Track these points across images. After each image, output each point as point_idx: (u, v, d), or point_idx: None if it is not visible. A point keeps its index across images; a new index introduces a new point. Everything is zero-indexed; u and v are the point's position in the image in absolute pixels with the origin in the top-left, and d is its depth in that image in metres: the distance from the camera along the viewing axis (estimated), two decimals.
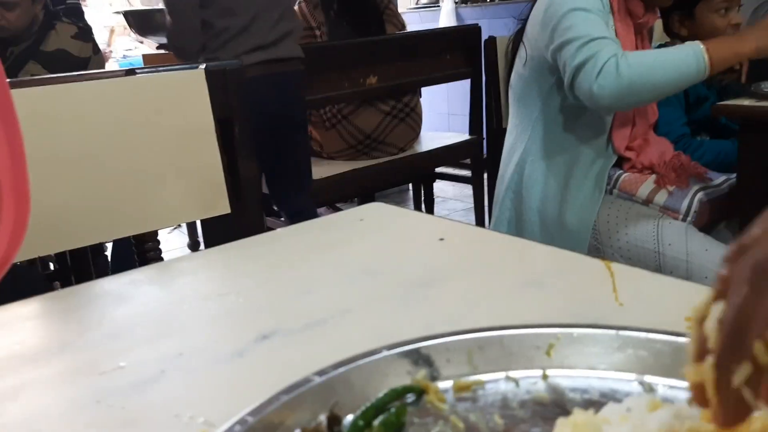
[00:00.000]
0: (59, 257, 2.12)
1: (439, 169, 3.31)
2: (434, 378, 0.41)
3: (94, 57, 2.33)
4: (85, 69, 2.27)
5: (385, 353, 0.41)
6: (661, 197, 1.57)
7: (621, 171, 1.64)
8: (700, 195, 1.57)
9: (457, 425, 0.37)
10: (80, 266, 2.02)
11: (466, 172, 3.21)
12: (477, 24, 2.90)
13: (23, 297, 0.62)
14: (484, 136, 2.90)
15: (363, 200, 3.79)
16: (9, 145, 0.43)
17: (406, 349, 0.42)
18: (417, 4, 5.29)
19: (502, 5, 4.55)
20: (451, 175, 3.42)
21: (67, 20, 2.29)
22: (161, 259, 1.22)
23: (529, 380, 0.41)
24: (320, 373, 0.40)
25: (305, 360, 0.48)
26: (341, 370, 0.40)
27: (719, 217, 1.68)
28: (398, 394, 0.39)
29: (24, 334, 0.57)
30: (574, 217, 1.60)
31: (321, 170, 2.56)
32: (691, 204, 1.54)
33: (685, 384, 0.39)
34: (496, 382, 0.41)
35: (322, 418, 0.37)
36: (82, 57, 2.28)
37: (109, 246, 2.56)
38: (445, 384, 0.41)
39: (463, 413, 0.38)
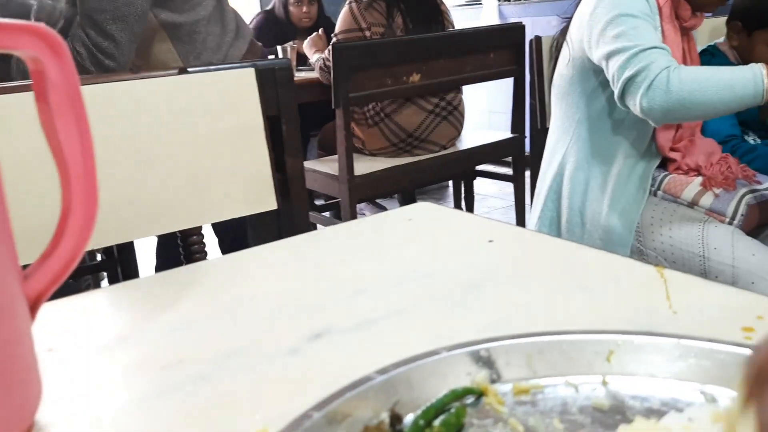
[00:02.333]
0: (106, 249, 2.17)
1: (480, 167, 3.31)
2: (493, 380, 0.42)
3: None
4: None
5: (445, 354, 0.42)
6: (707, 200, 1.55)
7: (666, 172, 1.63)
8: (747, 198, 1.55)
9: (517, 428, 0.37)
10: (126, 257, 2.07)
11: (507, 170, 3.20)
12: (521, 22, 2.88)
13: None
14: (526, 134, 2.89)
15: (404, 197, 3.80)
16: (81, 142, 0.44)
17: (467, 351, 0.42)
18: (460, 2, 5.28)
19: (546, 3, 4.52)
20: (492, 173, 3.42)
21: None
22: (205, 253, 1.24)
23: (588, 386, 0.41)
24: (381, 371, 0.40)
25: (358, 359, 0.49)
26: (402, 369, 0.41)
27: (767, 222, 1.66)
28: (458, 395, 0.40)
29: (85, 328, 0.59)
30: (616, 218, 1.59)
31: (362, 166, 2.57)
32: (738, 207, 1.53)
33: None
34: (555, 387, 0.41)
35: (384, 416, 0.38)
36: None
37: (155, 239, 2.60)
38: (504, 387, 0.41)
39: (522, 416, 0.38)
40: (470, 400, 0.40)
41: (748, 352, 0.40)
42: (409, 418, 0.38)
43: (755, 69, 1.36)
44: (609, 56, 1.47)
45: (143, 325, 0.58)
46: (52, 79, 0.43)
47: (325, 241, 0.77)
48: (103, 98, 1.03)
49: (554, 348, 0.43)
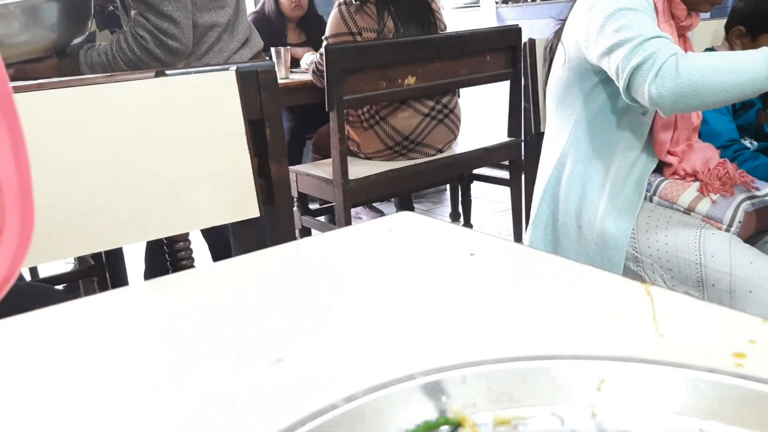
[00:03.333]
0: (95, 255, 2.13)
1: (476, 171, 3.28)
2: (472, 409, 0.38)
3: None
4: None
5: (421, 379, 0.39)
6: (704, 206, 1.52)
7: (662, 178, 1.59)
8: (745, 204, 1.51)
9: None
10: (114, 264, 2.04)
11: (504, 174, 3.17)
12: (517, 25, 2.85)
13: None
14: (523, 138, 2.86)
15: (400, 201, 3.76)
16: (15, 155, 0.41)
17: (443, 376, 0.39)
18: (457, 4, 5.25)
19: (543, 5, 4.50)
20: (489, 177, 3.38)
21: None
22: (192, 260, 1.21)
23: (576, 417, 0.38)
24: (348, 399, 0.37)
25: (323, 386, 0.46)
26: (372, 396, 0.37)
27: (765, 229, 1.62)
28: (433, 426, 0.36)
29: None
30: (612, 223, 1.55)
31: (358, 170, 2.54)
32: (735, 214, 1.49)
33: None
34: (539, 418, 0.38)
35: None
36: None
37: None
38: (484, 417, 0.38)
39: None
40: (446, 430, 0.37)
41: (755, 385, 0.37)
42: None
43: (767, 51, 1.31)
44: (611, 50, 1.42)
45: (103, 348, 0.54)
46: None
47: (301, 253, 0.73)
48: (80, 102, 1.00)
49: (540, 374, 0.39)
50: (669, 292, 0.55)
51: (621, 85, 1.41)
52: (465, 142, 2.94)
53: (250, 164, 1.13)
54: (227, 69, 1.10)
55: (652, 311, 0.52)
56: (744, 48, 1.82)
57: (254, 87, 1.14)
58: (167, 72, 1.04)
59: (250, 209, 1.14)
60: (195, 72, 1.08)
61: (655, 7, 1.50)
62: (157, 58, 1.87)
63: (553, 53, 1.68)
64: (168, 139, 1.07)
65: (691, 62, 1.30)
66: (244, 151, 1.12)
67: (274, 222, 1.22)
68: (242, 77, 1.11)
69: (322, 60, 2.40)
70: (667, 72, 1.31)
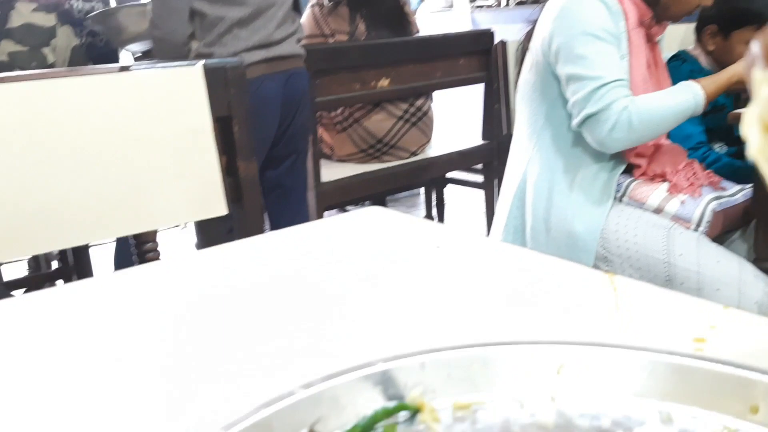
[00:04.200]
0: (62, 256, 2.10)
1: (450, 174, 3.28)
2: (431, 395, 0.38)
3: (61, 26, 2.37)
4: (54, 37, 2.35)
5: (381, 366, 0.38)
6: (672, 206, 1.52)
7: (631, 179, 1.60)
8: (713, 204, 1.52)
9: None
10: (82, 265, 2.00)
11: (478, 177, 3.18)
12: (490, 29, 2.86)
13: None
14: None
15: (374, 204, 3.76)
16: None
17: (402, 363, 0.38)
18: (433, 8, 5.26)
19: (517, 9, 4.53)
20: (463, 180, 3.39)
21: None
22: (159, 259, 1.19)
23: (535, 402, 0.37)
24: (306, 386, 0.36)
25: (293, 373, 0.45)
26: (329, 383, 0.36)
27: (732, 228, 1.64)
28: (390, 412, 0.35)
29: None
30: (581, 225, 1.56)
31: (331, 173, 2.53)
32: (703, 213, 1.50)
33: (706, 415, 0.36)
34: (498, 403, 0.37)
35: None
36: (47, 26, 2.34)
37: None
38: (443, 402, 0.37)
39: None
40: (404, 417, 0.36)
41: (713, 366, 0.36)
42: None
43: (693, 89, 1.48)
44: (570, 79, 1.50)
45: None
46: None
47: (269, 246, 0.73)
48: (43, 96, 0.98)
49: (499, 359, 0.39)
50: (632, 281, 0.55)
51: (574, 122, 1.52)
52: (439, 146, 2.94)
53: (218, 161, 1.12)
54: (193, 65, 1.09)
55: (615, 300, 0.52)
56: (717, 49, 1.84)
57: (222, 83, 1.13)
58: (131, 67, 1.03)
59: (218, 207, 1.13)
60: (161, 67, 1.07)
61: (625, 14, 1.51)
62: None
63: (524, 56, 1.68)
64: (133, 135, 1.05)
65: (641, 112, 1.45)
66: (211, 148, 1.11)
67: (242, 220, 1.21)
68: (210, 73, 1.10)
69: None
70: (621, 128, 1.45)
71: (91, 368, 0.47)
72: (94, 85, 1.00)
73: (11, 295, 1.65)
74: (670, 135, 1.68)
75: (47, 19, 2.37)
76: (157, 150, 1.06)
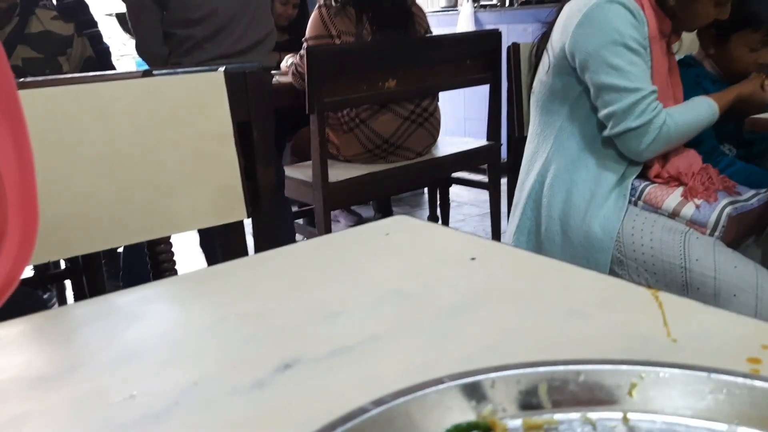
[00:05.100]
0: (71, 257, 2.09)
1: (455, 174, 3.27)
2: (501, 414, 0.37)
3: (78, 37, 2.46)
4: (71, 47, 2.44)
5: (449, 384, 0.38)
6: (687, 210, 1.52)
7: (646, 182, 1.60)
8: (728, 209, 1.52)
9: None
10: (91, 266, 1.99)
11: (482, 177, 3.17)
12: (497, 29, 2.85)
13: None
14: (503, 142, 2.86)
15: (378, 204, 3.75)
16: (18, 156, 0.39)
17: (472, 380, 0.38)
18: (435, 8, 5.25)
19: (521, 10, 4.51)
20: (468, 181, 3.38)
21: (43, 5, 2.50)
22: (174, 262, 1.19)
23: (607, 422, 0.37)
24: (377, 402, 0.36)
25: (332, 393, 0.45)
26: (400, 400, 0.36)
27: (747, 233, 1.63)
28: (463, 430, 0.35)
29: (26, 356, 0.54)
30: (598, 228, 1.56)
31: (337, 173, 2.52)
32: (719, 218, 1.50)
33: None
34: (570, 423, 0.37)
35: None
36: (66, 35, 2.43)
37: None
38: (513, 422, 0.37)
39: None
40: None
41: None
42: None
43: (711, 104, 1.59)
44: (603, 88, 1.52)
45: (88, 355, 0.53)
46: None
47: (297, 257, 0.72)
48: (65, 102, 0.98)
49: (570, 379, 0.38)
50: (677, 297, 0.55)
51: (610, 132, 1.55)
52: (444, 146, 2.94)
53: (238, 166, 1.12)
54: (215, 70, 1.09)
55: (662, 316, 0.51)
56: (717, 52, 1.83)
57: (242, 88, 1.13)
58: (155, 72, 1.03)
59: (238, 212, 1.13)
60: (183, 72, 1.06)
61: (648, 24, 1.51)
62: None
63: (539, 58, 1.68)
64: (155, 139, 1.05)
65: (678, 129, 1.53)
66: (232, 153, 1.11)
67: (261, 225, 1.21)
68: (230, 78, 1.10)
69: (302, 62, 2.38)
70: (660, 141, 1.52)
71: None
72: (116, 90, 1.00)
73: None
74: None
75: (66, 28, 2.42)
76: (178, 155, 1.06)
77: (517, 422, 0.37)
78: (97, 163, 1.02)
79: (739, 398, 0.37)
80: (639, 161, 1.60)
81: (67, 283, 2.41)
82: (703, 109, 1.56)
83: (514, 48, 1.90)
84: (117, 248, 2.57)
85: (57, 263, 2.27)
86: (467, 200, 4.22)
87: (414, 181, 3.25)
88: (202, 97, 1.07)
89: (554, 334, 0.51)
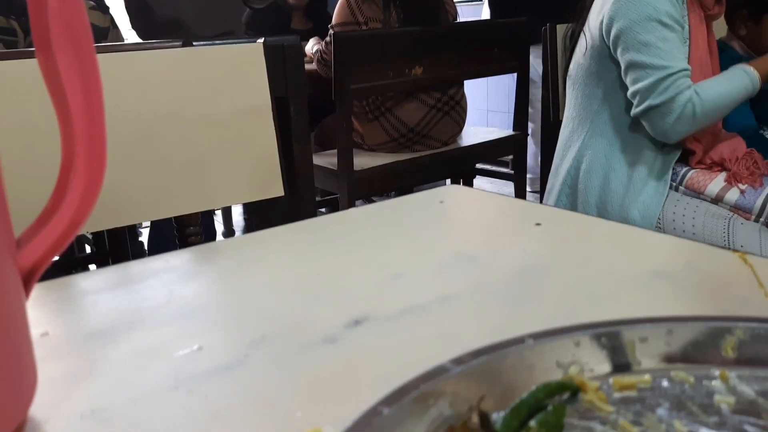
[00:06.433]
0: (96, 240, 2.08)
1: (478, 165, 3.24)
2: (589, 374, 0.34)
3: (113, 29, 2.47)
4: (106, 39, 2.44)
5: (530, 342, 0.35)
6: (732, 196, 1.49)
7: (688, 167, 1.56)
8: None
9: (629, 431, 0.30)
10: (118, 249, 1.98)
11: (505, 169, 3.14)
12: (524, 18, 2.81)
13: None
14: (529, 132, 2.82)
15: (401, 194, 3.72)
16: (84, 79, 0.36)
17: (557, 339, 0.35)
18: None
19: None
20: (493, 171, 3.34)
21: None
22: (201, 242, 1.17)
23: (704, 381, 0.34)
24: (457, 361, 0.33)
25: (406, 349, 0.42)
26: (482, 359, 0.33)
27: None
28: (552, 390, 0.32)
29: (85, 311, 0.51)
30: (637, 214, 1.52)
31: (362, 162, 2.49)
32: (765, 204, 1.46)
33: None
34: (664, 381, 0.34)
35: (467, 412, 0.30)
36: (102, 26, 2.43)
37: (146, 232, 2.53)
38: (603, 383, 0.34)
39: (633, 417, 0.31)
40: (565, 396, 0.33)
41: None
42: (495, 417, 0.31)
43: (749, 72, 1.48)
44: (631, 66, 1.48)
45: (152, 309, 0.50)
46: (53, 7, 0.36)
47: (350, 223, 0.70)
48: (104, 69, 0.95)
49: (660, 336, 0.35)
50: (763, 260, 0.52)
51: (635, 111, 1.51)
52: (469, 136, 2.90)
53: (275, 142, 1.09)
54: (254, 42, 1.06)
55: (755, 277, 0.48)
56: (749, 33, 1.79)
57: (280, 62, 1.10)
58: (194, 43, 1.00)
59: (275, 188, 1.10)
60: (222, 43, 1.04)
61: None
62: None
63: (575, 41, 1.64)
64: (192, 111, 1.02)
65: (705, 106, 1.45)
66: (270, 128, 1.08)
67: (297, 203, 1.18)
68: (269, 51, 1.07)
69: (328, 49, 2.35)
70: (685, 119, 1.45)
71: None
72: (156, 60, 0.97)
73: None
74: (723, 125, 1.64)
75: (103, 20, 2.43)
76: (216, 128, 1.03)
77: (608, 382, 0.34)
78: (132, 134, 1.00)
79: None
80: (669, 143, 1.55)
81: (92, 268, 2.40)
82: (738, 79, 1.48)
83: (551, 30, 1.86)
84: (139, 236, 2.56)
85: (83, 247, 2.25)
86: (490, 190, 4.18)
87: (439, 171, 3.21)
88: (241, 68, 1.05)
89: (639, 295, 0.48)
